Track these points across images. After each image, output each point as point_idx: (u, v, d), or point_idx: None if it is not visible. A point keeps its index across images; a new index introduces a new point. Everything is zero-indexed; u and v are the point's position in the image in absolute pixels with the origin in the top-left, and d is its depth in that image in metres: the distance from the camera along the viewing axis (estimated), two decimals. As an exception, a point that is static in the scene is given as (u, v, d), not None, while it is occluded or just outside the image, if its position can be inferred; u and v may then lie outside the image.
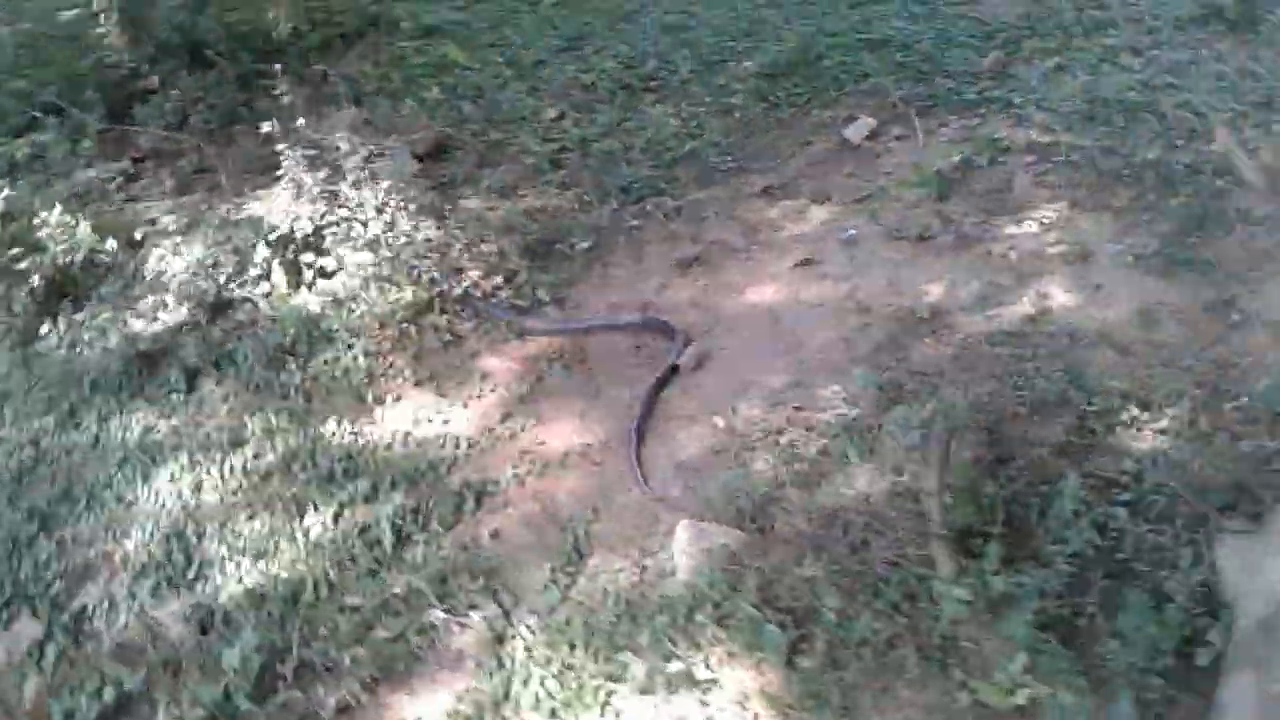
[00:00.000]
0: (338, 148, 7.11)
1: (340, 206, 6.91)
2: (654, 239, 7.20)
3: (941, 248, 6.52)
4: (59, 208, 7.17)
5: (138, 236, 7.48)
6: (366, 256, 6.77)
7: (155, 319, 6.72)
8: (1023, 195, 6.82)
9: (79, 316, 7.12)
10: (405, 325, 6.65)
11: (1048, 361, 5.45)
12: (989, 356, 5.60)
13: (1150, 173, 6.65)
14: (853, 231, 6.83)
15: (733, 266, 6.88)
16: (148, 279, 7.07)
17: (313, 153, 7.18)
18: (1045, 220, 6.51)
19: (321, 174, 6.99)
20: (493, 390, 6.29)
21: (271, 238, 6.90)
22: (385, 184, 6.82)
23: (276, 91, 7.37)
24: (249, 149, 9.20)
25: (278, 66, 7.37)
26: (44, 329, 6.95)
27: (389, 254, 6.62)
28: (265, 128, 7.00)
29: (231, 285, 7.06)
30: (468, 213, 7.48)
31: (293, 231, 6.84)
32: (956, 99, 8.06)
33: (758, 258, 6.92)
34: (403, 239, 6.77)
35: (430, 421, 6.15)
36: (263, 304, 6.94)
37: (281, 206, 6.96)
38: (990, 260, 6.29)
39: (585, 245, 7.19)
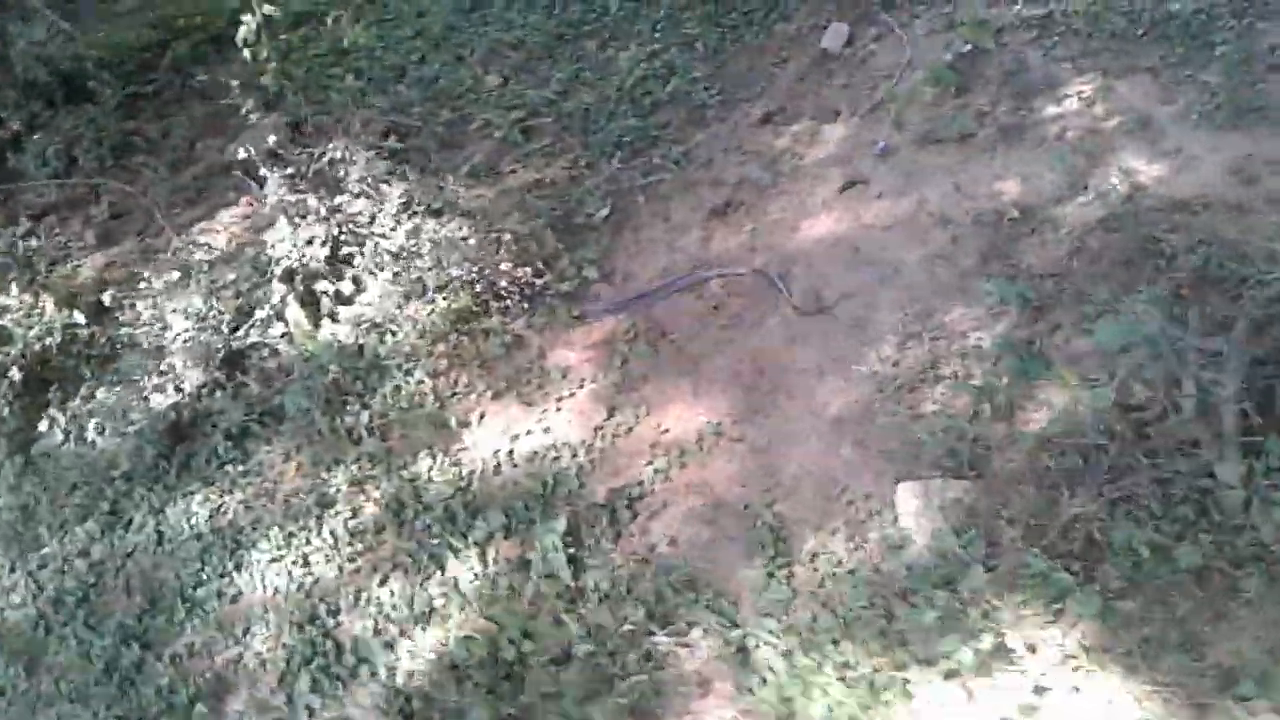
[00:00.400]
0: (323, 157, 6.33)
1: (348, 223, 6.16)
2: (672, 191, 6.70)
3: (989, 143, 6.22)
4: (16, 289, 6.21)
5: (105, 301, 6.55)
6: (392, 271, 6.07)
7: (177, 388, 5.88)
8: (1045, 74, 6.54)
9: (75, 403, 6.22)
10: (458, 337, 6.01)
11: (1178, 236, 5.19)
12: (1112, 245, 5.35)
13: (1171, 26, 6.43)
14: (884, 144, 6.45)
15: (770, 204, 6.44)
16: (145, 345, 6.18)
17: (289, 171, 6.39)
18: (1083, 94, 6.25)
19: (311, 192, 6.21)
20: (580, 386, 5.76)
21: (278, 271, 6.11)
22: (398, 189, 6.11)
23: (245, 112, 6.47)
24: (162, 180, 8.26)
25: (235, 85, 6.44)
26: (42, 425, 6.02)
27: (427, 264, 5.94)
28: (240, 153, 6.18)
29: (238, 333, 6.23)
30: (462, 201, 6.78)
31: (304, 261, 6.06)
32: (913, -12, 7.66)
33: (792, 190, 6.49)
34: (428, 244, 6.09)
35: (529, 434, 5.60)
36: (283, 346, 6.18)
37: (281, 236, 6.15)
38: (1049, 146, 6.02)
39: (604, 213, 6.65)
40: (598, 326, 6.01)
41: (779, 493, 4.88)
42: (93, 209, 7.99)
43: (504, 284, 6.15)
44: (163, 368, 6.08)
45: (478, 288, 6.10)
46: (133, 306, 6.55)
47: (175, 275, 6.28)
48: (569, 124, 7.42)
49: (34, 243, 6.98)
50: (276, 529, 5.40)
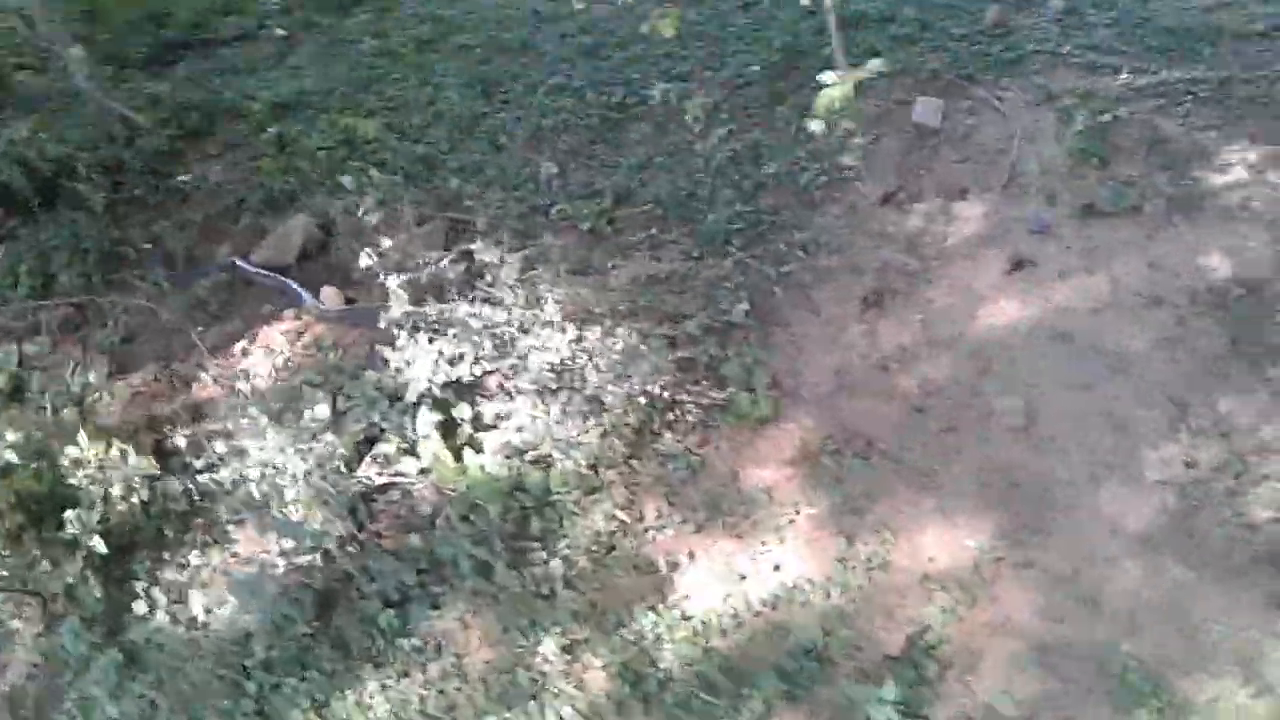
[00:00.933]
0: (440, 261, 5.21)
1: (492, 334, 5.04)
2: (810, 281, 5.84)
3: (1163, 215, 5.62)
4: (85, 437, 4.84)
5: (180, 443, 5.22)
6: (549, 389, 4.98)
7: (313, 546, 4.61)
8: (1187, 144, 5.97)
9: (169, 574, 4.85)
10: (631, 460, 4.95)
11: None
12: (1385, 320, 4.67)
13: (1311, 94, 5.91)
14: (1045, 218, 5.71)
15: (930, 291, 5.65)
16: (256, 496, 4.88)
17: (406, 277, 5.24)
18: (1248, 162, 5.69)
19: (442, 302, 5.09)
20: (796, 511, 4.79)
21: (411, 397, 4.93)
22: (555, 293, 5.03)
23: (361, 211, 5.27)
24: (166, 294, 6.92)
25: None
26: (138, 605, 4.65)
27: (598, 379, 4.88)
28: (364, 260, 5.00)
29: (357, 473, 5.01)
30: (578, 299, 5.74)
31: (446, 382, 4.91)
32: (994, 60, 7.04)
33: (947, 273, 5.72)
34: (582, 354, 5.03)
35: (758, 574, 4.59)
36: (421, 487, 4.97)
37: (411, 355, 4.98)
38: (1239, 218, 5.39)
39: (744, 308, 5.71)
40: (787, 439, 5.01)
41: (1118, 629, 4.00)
42: (96, 332, 6.53)
43: (671, 397, 5.08)
44: (279, 523, 4.74)
45: (641, 401, 5.02)
46: (208, 446, 5.19)
47: (257, 408, 4.97)
48: (663, 212, 6.43)
49: (79, 376, 5.53)
50: (491, 719, 4.16)
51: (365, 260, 5.03)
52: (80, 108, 8.40)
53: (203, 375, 5.95)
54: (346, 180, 6.86)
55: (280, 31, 9.22)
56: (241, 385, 5.45)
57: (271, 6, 9.51)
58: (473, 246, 5.25)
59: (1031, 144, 6.29)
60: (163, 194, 7.73)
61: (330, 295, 6.00)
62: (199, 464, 5.13)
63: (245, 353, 6.11)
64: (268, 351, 5.98)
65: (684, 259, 6.10)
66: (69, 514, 4.53)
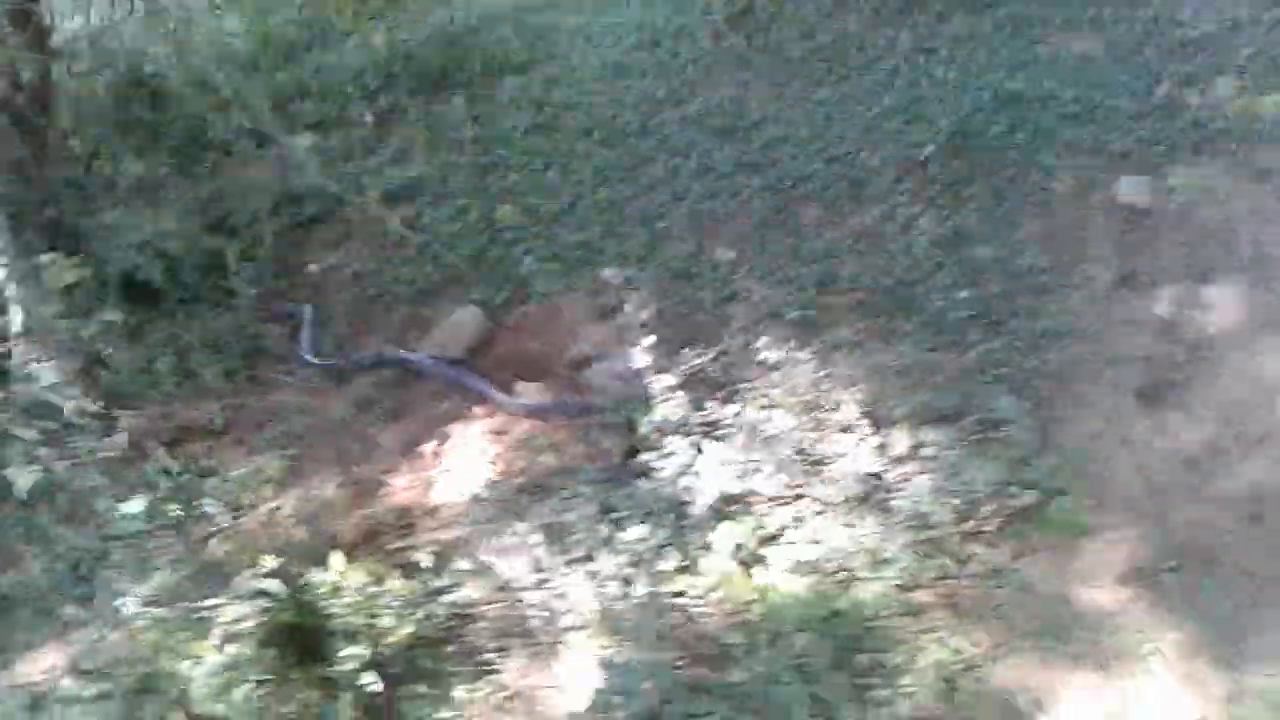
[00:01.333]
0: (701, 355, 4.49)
1: (779, 438, 4.30)
2: (1072, 373, 5.27)
3: None
4: (341, 562, 4.01)
5: (420, 559, 4.40)
6: (846, 496, 4.24)
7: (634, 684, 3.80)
8: None
9: (441, 713, 4.01)
10: (946, 578, 4.21)
11: None
12: None
13: None
14: (1323, 302, 5.12)
15: (1213, 381, 5.04)
16: (528, 620, 4.08)
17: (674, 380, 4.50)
18: None
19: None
20: (1153, 639, 4.11)
21: (698, 511, 4.16)
22: (847, 393, 4.31)
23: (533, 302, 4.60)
24: (318, 389, 6.10)
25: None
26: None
27: (914, 485, 4.16)
28: (641, 363, 4.25)
29: (632, 595, 4.22)
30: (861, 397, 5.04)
31: (741, 493, 4.15)
32: (1181, 139, 6.53)
33: (1226, 363, 5.19)
34: (888, 460, 4.31)
35: (1132, 714, 3.89)
36: (707, 609, 4.19)
37: (706, 462, 4.22)
38: None
39: (1012, 403, 5.03)
40: (1112, 552, 4.32)
41: None
42: (254, 434, 5.66)
43: (977, 505, 4.37)
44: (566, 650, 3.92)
45: (950, 511, 4.30)
46: (447, 563, 4.38)
47: (518, 521, 4.17)
48: (878, 300, 5.77)
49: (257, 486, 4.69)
50: None
51: (640, 359, 4.24)
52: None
53: (396, 480, 5.10)
54: (504, 268, 6.15)
55: (368, 118, 8.45)
56: (465, 491, 4.60)
57: (352, 93, 8.71)
58: (759, 342, 4.48)
59: (1264, 222, 5.72)
60: (293, 285, 6.93)
61: (529, 390, 5.22)
62: (441, 583, 4.28)
63: (437, 454, 5.28)
64: (474, 453, 5.15)
65: (918, 349, 5.39)
66: (346, 650, 3.65)
